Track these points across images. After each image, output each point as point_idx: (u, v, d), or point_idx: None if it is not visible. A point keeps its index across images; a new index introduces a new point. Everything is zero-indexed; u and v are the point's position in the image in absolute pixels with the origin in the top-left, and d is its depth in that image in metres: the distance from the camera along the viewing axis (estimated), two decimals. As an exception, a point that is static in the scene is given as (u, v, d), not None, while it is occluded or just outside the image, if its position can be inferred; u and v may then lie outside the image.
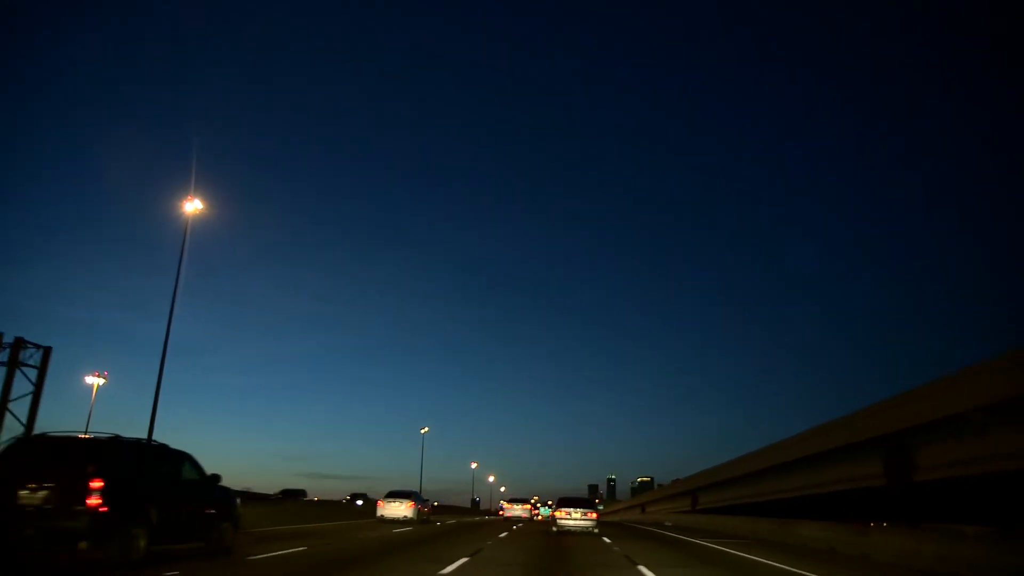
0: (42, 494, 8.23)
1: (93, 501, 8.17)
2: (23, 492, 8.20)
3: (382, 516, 28.71)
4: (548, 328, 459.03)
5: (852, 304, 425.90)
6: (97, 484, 8.22)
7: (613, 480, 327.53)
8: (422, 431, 69.86)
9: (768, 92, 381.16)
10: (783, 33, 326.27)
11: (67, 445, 8.86)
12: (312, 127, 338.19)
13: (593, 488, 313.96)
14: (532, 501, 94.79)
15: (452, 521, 36.40)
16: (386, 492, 30.21)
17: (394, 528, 23.58)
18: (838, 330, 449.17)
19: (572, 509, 24.22)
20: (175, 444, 10.72)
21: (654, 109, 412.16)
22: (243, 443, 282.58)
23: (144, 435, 15.80)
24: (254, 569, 9.89)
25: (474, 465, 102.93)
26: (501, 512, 56.35)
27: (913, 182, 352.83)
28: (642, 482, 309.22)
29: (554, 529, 24.56)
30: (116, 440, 9.18)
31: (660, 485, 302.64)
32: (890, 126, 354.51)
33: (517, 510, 45.73)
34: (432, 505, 43.28)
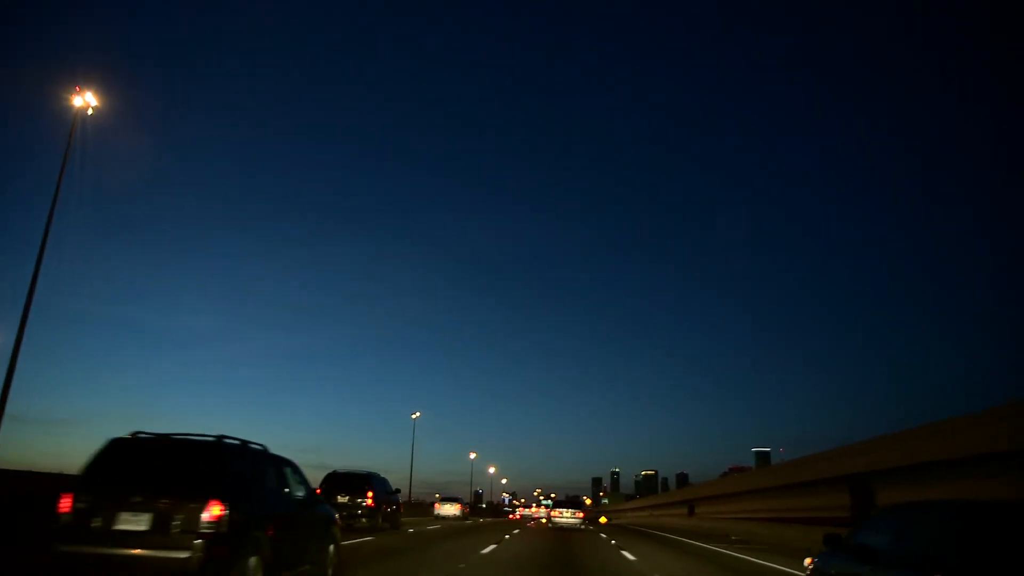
0: (346, 497, 18.48)
1: (369, 502, 18.43)
2: (339, 496, 18.43)
3: (438, 514, 40.67)
4: (552, 322, 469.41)
5: (863, 306, 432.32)
6: (370, 493, 18.47)
7: (617, 473, 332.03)
8: (413, 416, 64.94)
9: (778, 92, 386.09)
10: (791, 35, 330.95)
11: (354, 474, 19.17)
12: (318, 126, 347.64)
13: (597, 481, 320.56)
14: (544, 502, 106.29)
15: (471, 520, 47.61)
16: (441, 497, 43.54)
17: (449, 521, 35.21)
18: (848, 331, 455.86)
19: (563, 509, 32.32)
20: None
21: (663, 108, 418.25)
22: (250, 434, 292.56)
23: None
24: (416, 535, 20.04)
25: (473, 455, 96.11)
26: (514, 516, 63.95)
27: (930, 189, 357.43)
28: (646, 475, 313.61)
29: (549, 525, 33.13)
30: (371, 473, 19.45)
31: (664, 480, 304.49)
32: (894, 131, 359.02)
33: (542, 512, 58.07)
34: (469, 506, 55.79)
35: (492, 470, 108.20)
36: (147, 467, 6.11)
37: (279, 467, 7.44)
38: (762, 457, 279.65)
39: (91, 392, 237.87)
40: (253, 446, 7.01)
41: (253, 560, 6.08)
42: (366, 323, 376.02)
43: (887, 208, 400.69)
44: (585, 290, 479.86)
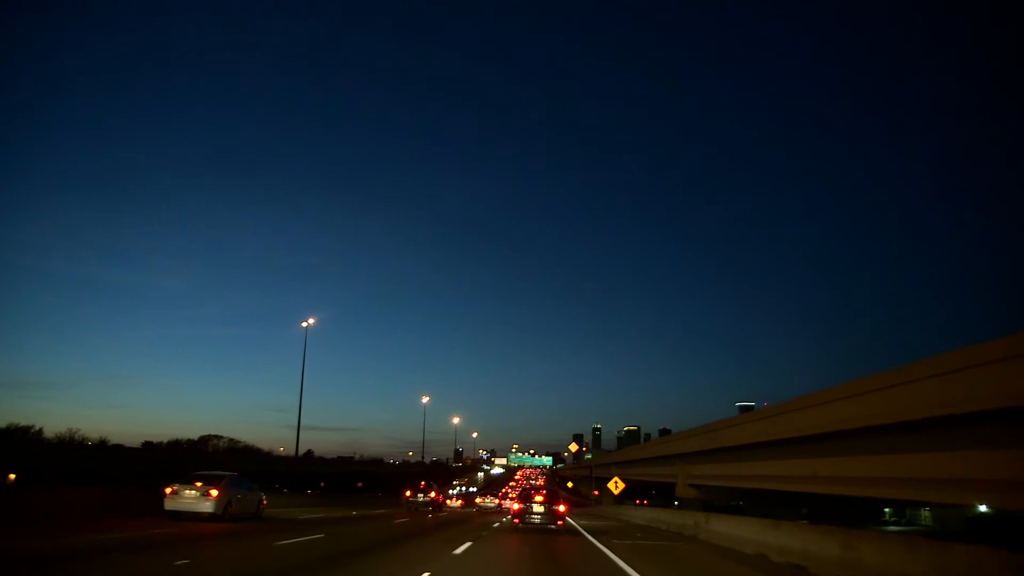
0: (421, 493, 36.58)
1: (434, 494, 36.63)
2: (419, 495, 36.52)
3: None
4: (533, 280, 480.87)
5: (845, 257, 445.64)
6: (432, 493, 36.62)
7: (599, 429, 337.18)
8: (304, 323, 41.56)
9: (756, 57, 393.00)
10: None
11: (426, 480, 37.30)
12: (295, 88, 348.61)
13: (578, 437, 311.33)
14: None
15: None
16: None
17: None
18: (831, 283, 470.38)
19: (486, 497, 55.74)
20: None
21: (641, 71, 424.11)
22: (232, 395, 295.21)
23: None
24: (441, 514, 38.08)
25: (425, 399, 72.42)
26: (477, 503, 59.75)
27: (908, 140, 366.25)
28: (628, 431, 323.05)
29: (475, 509, 50.32)
30: (430, 480, 37.70)
31: (647, 436, 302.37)
32: (870, 96, 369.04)
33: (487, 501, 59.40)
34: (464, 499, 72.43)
35: (456, 420, 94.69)
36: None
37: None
38: (746, 412, 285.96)
39: (62, 354, 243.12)
40: None
41: None
42: (343, 284, 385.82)
43: (865, 157, 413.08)
44: (565, 248, 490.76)
